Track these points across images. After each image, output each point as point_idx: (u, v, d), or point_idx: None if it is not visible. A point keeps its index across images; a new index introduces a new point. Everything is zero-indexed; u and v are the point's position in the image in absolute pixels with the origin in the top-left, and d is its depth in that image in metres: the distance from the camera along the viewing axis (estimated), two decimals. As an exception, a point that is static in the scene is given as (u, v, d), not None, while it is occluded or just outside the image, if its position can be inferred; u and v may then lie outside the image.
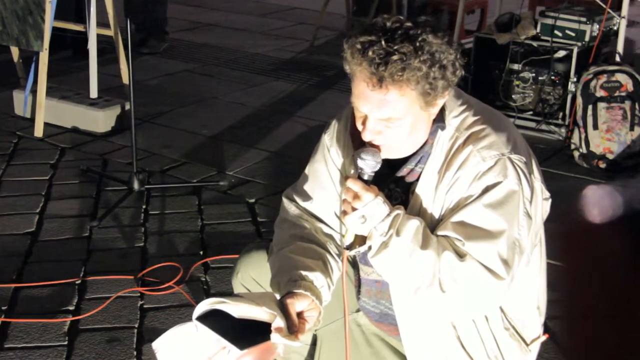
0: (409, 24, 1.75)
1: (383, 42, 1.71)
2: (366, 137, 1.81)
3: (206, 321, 1.74)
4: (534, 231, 1.86)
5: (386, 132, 1.80)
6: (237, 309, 1.75)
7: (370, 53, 1.71)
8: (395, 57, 1.70)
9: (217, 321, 1.74)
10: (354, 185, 1.77)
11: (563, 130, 4.55)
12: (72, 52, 5.84)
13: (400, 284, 1.86)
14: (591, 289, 0.80)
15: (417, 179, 1.87)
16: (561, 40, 4.62)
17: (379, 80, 1.72)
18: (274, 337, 1.74)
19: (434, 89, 1.75)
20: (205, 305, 1.76)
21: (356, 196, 1.76)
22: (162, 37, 6.41)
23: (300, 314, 1.82)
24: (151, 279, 3.09)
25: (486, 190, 1.78)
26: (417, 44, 1.72)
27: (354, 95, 1.80)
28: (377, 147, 1.82)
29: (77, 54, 5.67)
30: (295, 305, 1.81)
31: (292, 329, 1.77)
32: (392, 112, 1.76)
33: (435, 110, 1.83)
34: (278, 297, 1.86)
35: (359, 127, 1.83)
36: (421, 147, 1.87)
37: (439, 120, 1.85)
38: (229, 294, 1.87)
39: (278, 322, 1.76)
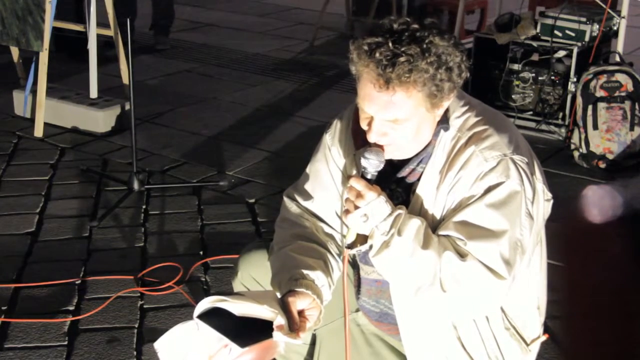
0: (415, 26, 1.75)
1: (390, 44, 1.71)
2: (372, 138, 1.81)
3: (207, 319, 1.74)
4: (535, 231, 1.86)
5: (392, 133, 1.80)
6: (238, 307, 1.75)
7: (377, 54, 1.71)
8: (402, 59, 1.70)
9: (218, 319, 1.74)
10: (357, 184, 1.77)
11: (563, 130, 4.55)
12: (67, 54, 5.82)
13: (401, 284, 1.86)
14: (591, 289, 0.80)
15: (419, 179, 1.87)
16: (561, 40, 4.62)
17: (386, 81, 1.72)
18: (276, 335, 1.74)
19: (440, 91, 1.75)
20: (206, 303, 1.76)
21: (359, 195, 1.76)
22: (167, 33, 6.46)
23: (301, 313, 1.82)
24: (151, 279, 3.09)
25: (488, 190, 1.78)
26: (424, 45, 1.72)
27: (360, 96, 1.80)
28: (380, 146, 1.82)
29: (74, 55, 5.66)
30: (297, 303, 1.81)
31: (294, 327, 1.77)
32: (398, 114, 1.76)
33: (440, 112, 1.83)
34: (279, 295, 1.86)
35: (365, 128, 1.83)
36: (424, 148, 1.87)
37: (443, 121, 1.86)
38: (229, 293, 1.88)
39: (279, 320, 1.76)
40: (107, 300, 2.93)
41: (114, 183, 3.88)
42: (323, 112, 4.95)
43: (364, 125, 1.83)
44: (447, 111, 1.86)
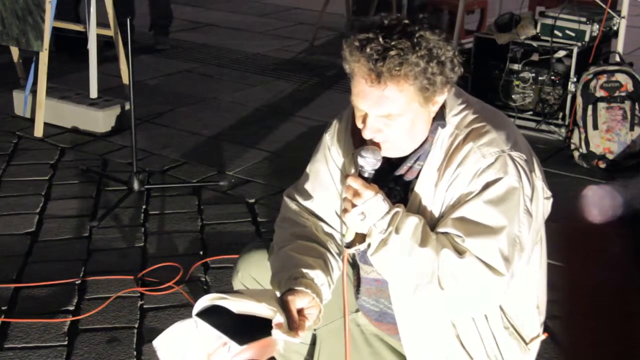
0: (406, 21, 1.76)
1: (381, 39, 1.72)
2: (366, 135, 1.82)
3: (206, 317, 1.74)
4: (534, 229, 1.86)
5: (386, 129, 1.80)
6: (237, 305, 1.75)
7: (368, 49, 1.72)
8: (392, 53, 1.71)
9: (217, 317, 1.74)
10: (354, 182, 1.78)
11: (563, 130, 4.55)
12: (67, 54, 5.83)
13: (399, 282, 1.86)
14: (591, 289, 0.80)
15: (417, 177, 1.87)
16: (561, 40, 4.62)
17: (377, 75, 1.73)
18: (275, 332, 1.74)
19: (433, 84, 1.76)
20: (205, 301, 1.76)
21: (356, 193, 1.77)
22: (167, 33, 6.46)
23: (300, 311, 1.82)
24: (151, 279, 3.09)
25: (486, 186, 1.78)
26: (415, 39, 1.73)
27: (353, 93, 1.81)
28: (377, 145, 1.82)
29: (74, 55, 5.66)
30: (296, 302, 1.81)
31: (293, 325, 1.77)
32: (391, 108, 1.77)
33: (435, 108, 1.83)
34: (278, 294, 1.86)
35: (359, 125, 1.83)
36: (421, 145, 1.87)
37: (440, 118, 1.86)
38: (228, 291, 1.88)
39: (278, 319, 1.76)
40: (107, 300, 2.93)
41: (114, 183, 3.88)
42: (323, 112, 4.95)
43: (358, 122, 1.83)
44: (444, 108, 1.86)
